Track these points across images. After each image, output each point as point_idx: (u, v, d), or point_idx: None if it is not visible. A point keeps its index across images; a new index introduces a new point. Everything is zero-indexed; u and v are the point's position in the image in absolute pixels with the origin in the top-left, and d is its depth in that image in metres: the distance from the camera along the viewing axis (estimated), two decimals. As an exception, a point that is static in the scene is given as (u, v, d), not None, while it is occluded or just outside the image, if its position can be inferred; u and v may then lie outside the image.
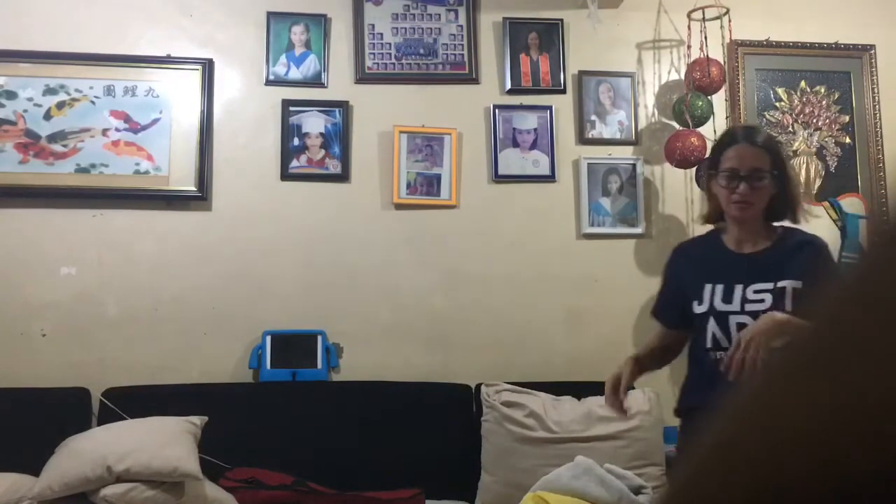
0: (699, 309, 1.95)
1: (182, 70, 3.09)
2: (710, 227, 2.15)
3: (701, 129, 3.17)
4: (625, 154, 3.30)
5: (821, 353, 0.27)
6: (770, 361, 0.30)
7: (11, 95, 3.00)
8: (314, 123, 3.14)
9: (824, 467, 0.25)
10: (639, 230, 3.23)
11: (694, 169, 3.17)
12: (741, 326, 1.86)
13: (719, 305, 1.92)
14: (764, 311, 1.85)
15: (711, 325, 1.92)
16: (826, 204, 3.30)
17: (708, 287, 1.95)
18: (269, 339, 2.96)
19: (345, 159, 3.14)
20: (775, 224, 2.01)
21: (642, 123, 3.33)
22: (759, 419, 0.28)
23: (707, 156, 2.07)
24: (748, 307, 1.89)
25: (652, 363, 2.13)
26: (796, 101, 3.41)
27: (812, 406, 0.26)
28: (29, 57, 3.02)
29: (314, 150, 3.14)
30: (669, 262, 2.14)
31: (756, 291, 1.90)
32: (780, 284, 1.88)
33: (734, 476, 0.28)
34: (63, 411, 2.74)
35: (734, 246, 2.00)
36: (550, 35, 3.32)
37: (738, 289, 1.91)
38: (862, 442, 0.25)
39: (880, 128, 3.41)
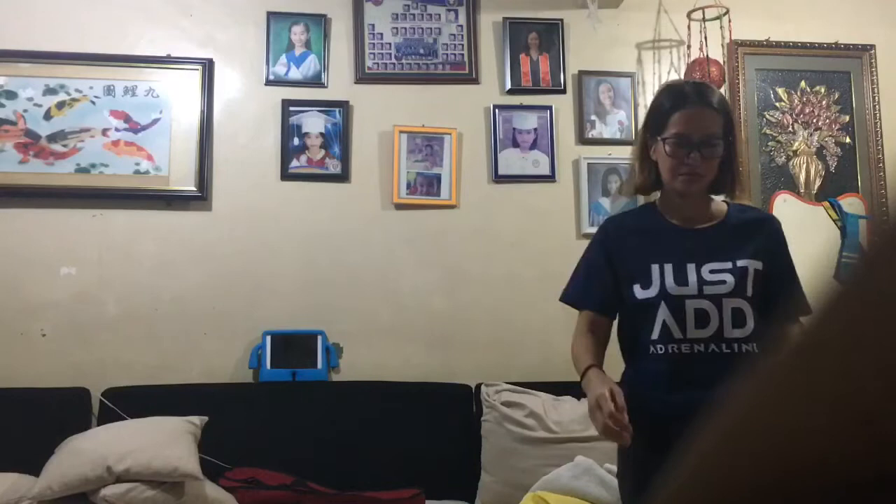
0: (645, 293, 1.67)
1: (182, 70, 3.09)
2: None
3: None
4: (625, 154, 3.30)
5: (821, 350, 0.27)
6: (770, 359, 0.30)
7: (11, 95, 3.00)
8: (314, 123, 3.14)
9: (824, 463, 0.25)
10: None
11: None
12: (700, 314, 1.63)
13: (673, 288, 1.64)
14: (727, 295, 1.63)
15: (663, 312, 1.65)
16: (826, 204, 3.30)
17: (655, 268, 1.67)
18: (269, 339, 2.96)
19: (345, 159, 3.14)
20: (718, 198, 1.78)
21: (642, 123, 3.33)
22: (759, 416, 0.28)
23: (646, 114, 1.80)
24: (707, 289, 1.64)
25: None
26: (796, 101, 3.41)
27: (812, 402, 0.26)
28: (29, 57, 3.02)
29: (314, 150, 3.14)
30: (601, 238, 1.81)
31: (713, 271, 1.65)
32: (739, 263, 1.66)
33: (735, 473, 0.28)
34: (63, 411, 2.74)
35: (679, 221, 1.74)
36: (550, 35, 3.32)
37: (691, 269, 1.65)
38: (861, 438, 0.25)
39: (880, 128, 3.41)
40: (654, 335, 1.65)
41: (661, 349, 1.65)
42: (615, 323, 1.83)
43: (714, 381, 1.40)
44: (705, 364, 1.61)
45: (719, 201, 1.76)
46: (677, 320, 1.64)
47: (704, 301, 1.64)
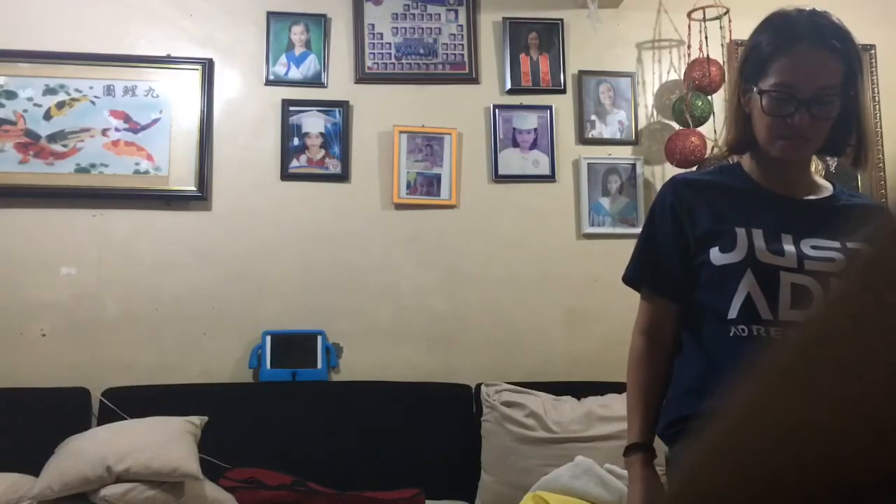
0: (725, 257, 1.30)
1: (182, 70, 3.09)
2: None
3: (701, 129, 3.17)
4: (625, 154, 3.30)
5: (823, 348, 0.27)
6: (771, 356, 0.30)
7: (11, 95, 3.00)
8: (314, 123, 3.14)
9: (829, 462, 0.25)
10: (639, 230, 3.22)
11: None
12: (800, 291, 1.24)
13: (763, 254, 1.28)
14: (835, 275, 1.15)
15: (748, 283, 1.27)
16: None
17: (741, 231, 1.30)
18: (268, 339, 2.96)
19: (345, 159, 3.14)
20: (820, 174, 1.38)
21: (642, 123, 3.33)
22: (762, 414, 0.28)
23: (742, 54, 1.42)
24: (809, 265, 1.26)
25: (657, 414, 1.39)
26: (796, 101, 3.40)
27: (816, 401, 0.26)
28: (29, 57, 3.02)
29: (314, 149, 3.14)
30: (667, 198, 1.43)
31: (817, 248, 1.28)
32: (850, 245, 1.28)
33: (738, 472, 0.28)
34: (63, 411, 2.74)
35: (774, 187, 1.38)
36: (550, 35, 3.32)
37: (787, 240, 1.29)
38: (866, 436, 0.25)
39: (880, 128, 3.41)
40: (733, 312, 1.27)
41: (742, 330, 1.26)
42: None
43: None
44: None
45: (821, 177, 1.43)
46: (767, 295, 1.26)
47: (807, 277, 1.25)
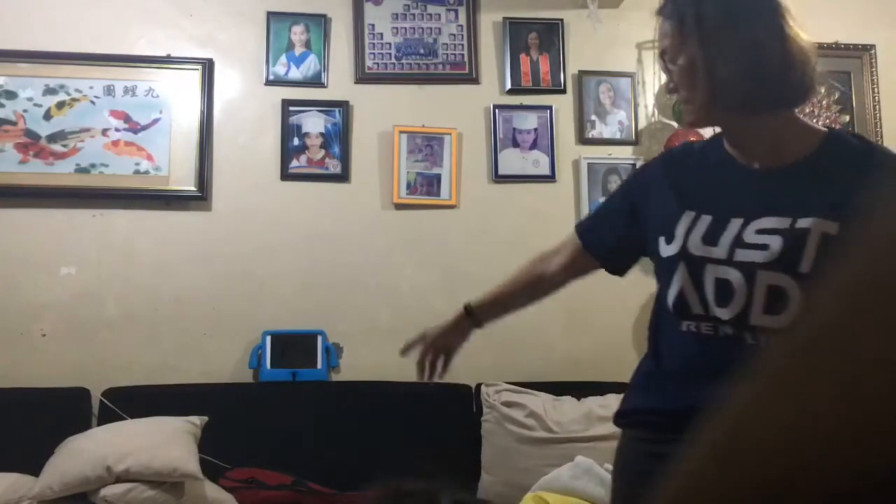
0: (667, 250, 1.27)
1: (182, 70, 3.09)
2: None
3: (701, 129, 3.17)
4: (625, 154, 3.30)
5: (822, 349, 0.27)
6: (769, 358, 0.30)
7: (11, 95, 3.00)
8: (314, 123, 3.14)
9: (827, 462, 0.25)
10: (639, 230, 3.23)
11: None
12: (722, 285, 1.21)
13: (696, 246, 1.23)
14: (764, 265, 1.18)
15: (681, 277, 1.25)
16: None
17: (687, 217, 1.26)
18: (269, 339, 2.96)
19: (345, 159, 3.14)
20: (819, 127, 1.28)
21: (642, 123, 3.33)
22: (760, 416, 0.28)
23: None
24: (739, 255, 1.20)
25: (504, 308, 1.64)
26: (796, 101, 3.40)
27: (814, 402, 0.26)
28: (29, 57, 3.02)
29: (314, 150, 3.14)
30: (640, 170, 1.50)
31: (761, 231, 1.20)
32: (799, 223, 1.18)
33: (736, 475, 0.28)
34: (63, 411, 2.74)
35: (742, 157, 1.28)
36: (550, 35, 3.32)
37: (734, 225, 1.22)
38: (864, 437, 0.25)
39: (880, 128, 3.41)
40: (671, 307, 1.27)
41: (679, 325, 1.26)
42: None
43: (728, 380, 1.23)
44: (730, 356, 1.15)
45: (816, 129, 1.27)
46: (698, 290, 1.23)
47: (731, 269, 1.20)
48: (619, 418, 1.39)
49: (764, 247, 1.19)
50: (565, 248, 1.52)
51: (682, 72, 1.24)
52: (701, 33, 1.22)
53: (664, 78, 1.38)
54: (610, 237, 1.45)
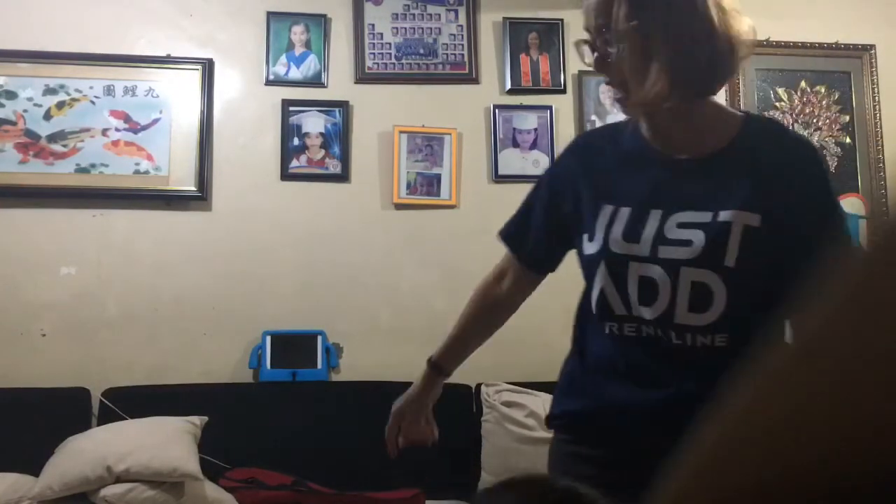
0: (589, 248, 1.21)
1: (182, 70, 3.09)
2: None
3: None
4: (625, 154, 3.29)
5: (821, 352, 0.27)
6: (767, 361, 0.30)
7: (11, 95, 3.00)
8: (314, 123, 3.14)
9: (826, 465, 0.25)
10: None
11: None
12: (646, 284, 1.16)
13: (617, 243, 1.17)
14: (687, 262, 1.13)
15: (602, 277, 1.19)
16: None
17: (606, 211, 1.19)
18: (268, 339, 2.96)
19: (345, 159, 3.14)
20: (732, 109, 1.25)
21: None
22: (758, 419, 0.28)
23: None
24: (662, 252, 1.15)
25: (466, 349, 1.56)
26: (796, 101, 3.41)
27: (812, 405, 0.26)
28: (29, 57, 3.02)
29: (314, 150, 3.14)
30: (555, 164, 1.40)
31: (682, 225, 1.15)
32: (721, 216, 1.13)
33: (734, 478, 0.28)
34: (63, 411, 2.74)
35: (660, 145, 1.21)
36: (550, 35, 3.32)
37: (654, 218, 1.16)
38: (863, 440, 0.25)
39: (880, 128, 3.41)
40: (594, 307, 1.21)
41: (602, 327, 1.21)
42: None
43: (661, 381, 1.16)
44: (654, 355, 1.17)
45: (733, 113, 1.23)
46: (619, 289, 1.18)
47: (655, 267, 1.15)
48: (550, 421, 1.36)
49: (687, 242, 1.13)
50: (508, 270, 1.46)
51: (633, 55, 1.11)
52: (665, 14, 1.11)
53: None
54: (541, 249, 1.38)
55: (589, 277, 1.24)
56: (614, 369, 1.21)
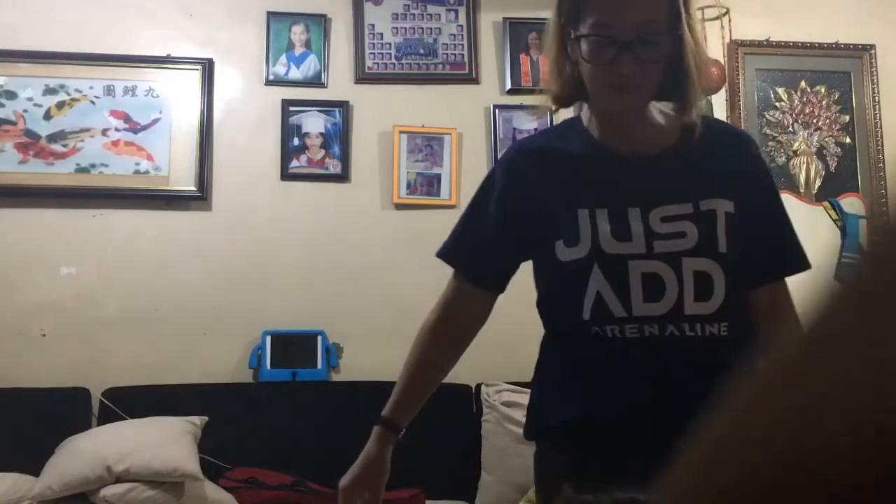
0: (571, 253, 1.18)
1: (182, 70, 3.09)
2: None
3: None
4: (625, 154, 3.30)
5: (822, 352, 0.27)
6: (766, 362, 0.30)
7: (11, 95, 3.00)
8: (314, 123, 3.14)
9: (827, 466, 0.25)
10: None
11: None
12: (651, 281, 1.15)
13: (609, 244, 1.15)
14: (688, 252, 1.14)
15: (596, 280, 1.16)
16: (826, 204, 3.30)
17: (583, 215, 1.17)
18: (269, 339, 2.96)
19: (345, 159, 3.14)
20: (663, 106, 1.25)
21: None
22: (758, 420, 0.28)
23: None
24: (659, 246, 1.15)
25: (421, 399, 1.42)
26: (796, 101, 3.41)
27: (814, 406, 0.26)
28: (29, 57, 3.02)
29: (314, 150, 3.14)
30: (503, 174, 1.29)
31: (667, 219, 1.16)
32: (703, 206, 1.17)
33: (734, 480, 0.28)
34: (63, 411, 2.74)
35: (616, 144, 1.23)
36: (550, 35, 3.31)
37: (634, 216, 1.16)
38: (865, 440, 0.25)
39: (880, 128, 3.41)
40: (586, 313, 1.17)
41: (598, 332, 1.17)
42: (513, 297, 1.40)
43: (671, 379, 1.14)
44: (660, 353, 1.15)
45: (669, 113, 1.24)
46: (618, 291, 1.15)
47: (655, 262, 1.15)
48: (542, 433, 1.29)
49: (681, 234, 1.15)
50: (460, 299, 1.38)
51: (654, 60, 1.13)
52: (682, 21, 1.14)
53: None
54: (500, 265, 1.33)
55: (573, 283, 1.19)
56: (617, 373, 1.17)
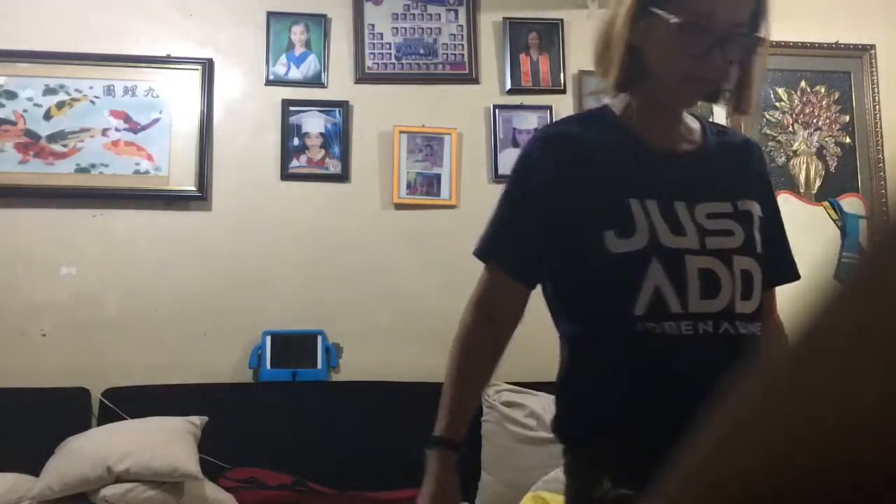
0: (626, 244, 1.11)
1: (182, 70, 3.09)
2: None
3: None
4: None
5: (823, 352, 0.27)
6: (767, 363, 0.29)
7: (11, 95, 3.00)
8: (314, 123, 3.14)
9: (830, 465, 0.25)
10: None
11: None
12: (708, 277, 1.11)
13: (667, 238, 1.11)
14: (737, 251, 1.13)
15: (655, 274, 1.10)
16: (826, 204, 3.30)
17: (635, 205, 1.12)
18: (269, 339, 2.96)
19: (345, 159, 3.14)
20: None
21: None
22: (762, 420, 0.28)
23: None
24: (711, 242, 1.13)
25: (471, 410, 1.29)
26: (796, 101, 3.41)
27: (816, 405, 0.26)
28: (29, 57, 3.02)
29: (314, 150, 3.14)
30: (539, 160, 1.20)
31: (712, 216, 1.14)
32: (740, 206, 1.17)
33: (735, 480, 0.28)
34: (63, 411, 2.74)
35: (655, 138, 1.19)
36: (550, 35, 3.32)
37: (682, 210, 1.13)
38: (867, 439, 0.25)
39: (880, 128, 3.41)
40: (640, 309, 1.09)
41: (654, 329, 1.09)
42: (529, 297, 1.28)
43: (723, 377, 1.16)
44: (712, 351, 1.10)
45: (689, 113, 1.26)
46: (676, 286, 1.10)
47: (710, 258, 1.12)
48: (578, 436, 1.19)
49: (729, 232, 1.14)
50: (499, 299, 1.26)
51: (734, 59, 1.13)
52: (765, 23, 1.15)
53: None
54: (538, 260, 1.22)
55: (625, 276, 1.11)
56: (666, 371, 1.10)
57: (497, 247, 1.24)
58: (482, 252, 1.26)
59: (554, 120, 3.24)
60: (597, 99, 1.31)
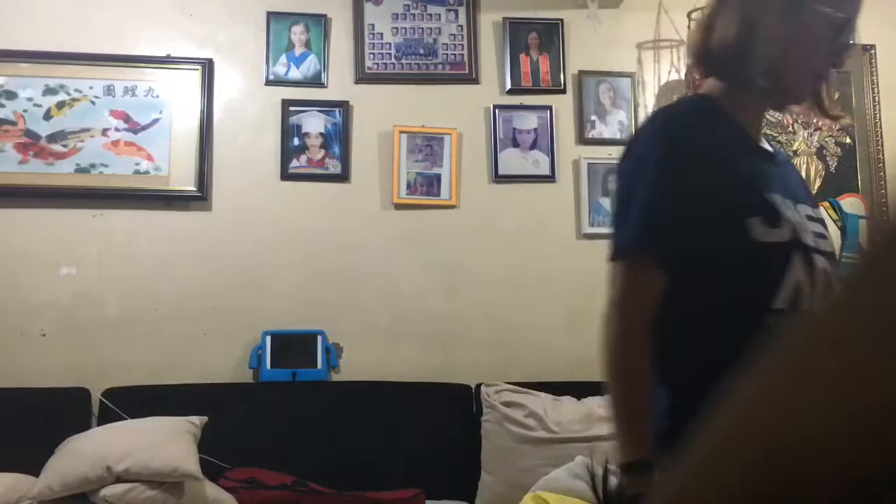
0: (772, 234, 1.05)
1: (182, 70, 3.09)
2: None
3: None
4: (625, 154, 3.29)
5: (823, 351, 0.27)
6: (767, 361, 0.29)
7: (11, 95, 3.00)
8: (314, 123, 3.14)
9: (829, 465, 0.25)
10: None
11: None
12: (824, 276, 1.10)
13: (804, 234, 1.08)
14: (832, 254, 1.13)
15: (798, 268, 1.05)
16: (826, 204, 3.30)
17: (777, 197, 1.08)
18: (269, 339, 2.96)
19: (345, 159, 3.14)
20: None
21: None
22: (759, 418, 0.28)
23: None
24: (820, 244, 1.12)
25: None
26: (796, 101, 3.40)
27: (815, 405, 0.26)
28: (29, 57, 3.02)
29: (314, 150, 3.14)
30: (687, 130, 1.12)
31: (809, 218, 1.12)
32: (815, 212, 1.17)
33: (734, 479, 0.28)
34: (63, 411, 2.74)
35: (751, 132, 1.18)
36: (550, 35, 3.32)
37: (791, 208, 1.11)
38: (867, 439, 0.25)
39: (880, 128, 3.41)
40: (781, 302, 1.03)
41: (780, 321, 0.99)
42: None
43: None
44: None
45: None
46: (810, 284, 1.05)
47: (825, 260, 1.09)
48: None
49: (825, 236, 1.12)
50: (655, 289, 1.10)
51: None
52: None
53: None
54: (706, 239, 1.08)
55: (769, 267, 1.04)
56: None
57: (658, 239, 1.09)
58: (636, 243, 1.10)
59: (553, 120, 3.24)
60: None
